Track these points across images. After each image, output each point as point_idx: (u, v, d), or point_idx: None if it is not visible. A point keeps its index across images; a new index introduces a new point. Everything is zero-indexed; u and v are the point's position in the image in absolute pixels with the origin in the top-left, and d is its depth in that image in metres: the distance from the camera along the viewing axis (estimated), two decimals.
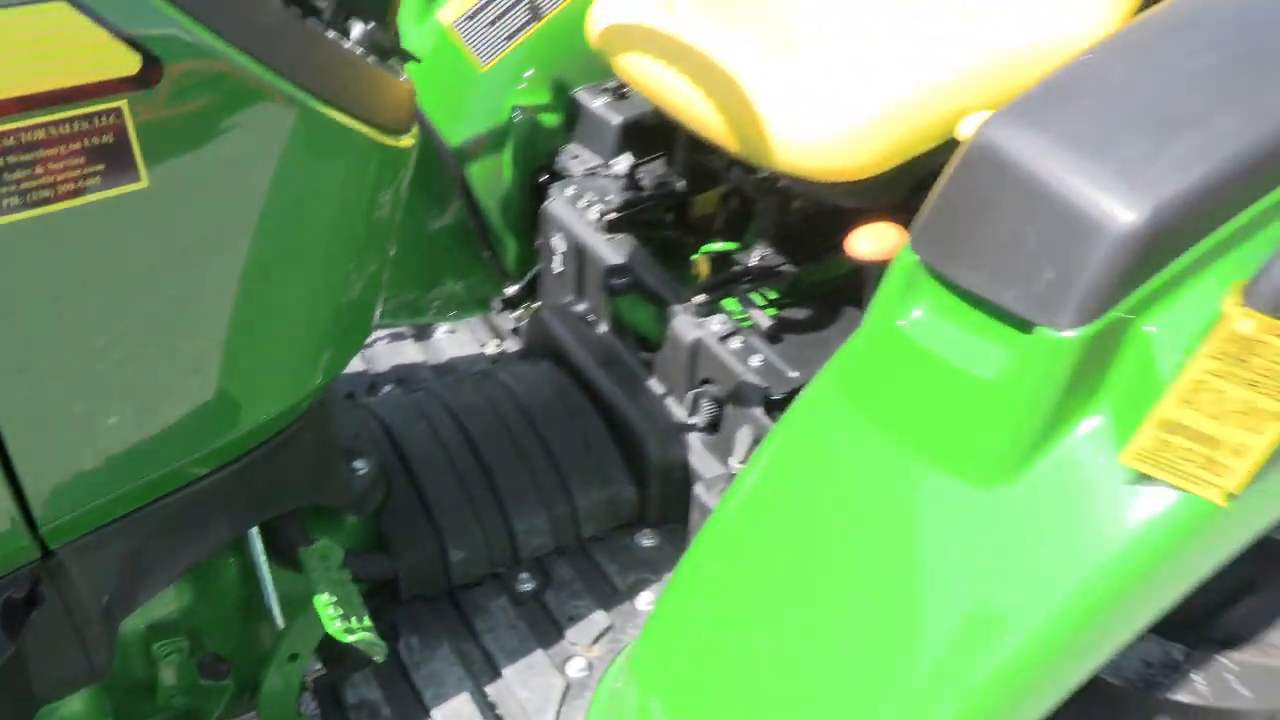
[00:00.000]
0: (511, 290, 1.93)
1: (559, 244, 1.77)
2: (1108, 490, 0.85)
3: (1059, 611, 0.88)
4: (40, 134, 0.77)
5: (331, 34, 0.97)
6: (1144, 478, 0.83)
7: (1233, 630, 1.06)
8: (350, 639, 1.12)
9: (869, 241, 1.26)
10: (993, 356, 0.89)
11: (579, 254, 1.72)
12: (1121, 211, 0.81)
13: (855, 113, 1.29)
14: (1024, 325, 0.86)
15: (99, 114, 0.79)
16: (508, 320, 1.97)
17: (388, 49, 1.03)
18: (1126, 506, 0.84)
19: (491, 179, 1.90)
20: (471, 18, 1.85)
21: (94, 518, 0.99)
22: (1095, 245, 0.82)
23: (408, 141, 1.05)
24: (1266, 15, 0.96)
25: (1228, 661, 1.04)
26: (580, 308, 1.75)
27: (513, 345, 1.92)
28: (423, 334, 1.94)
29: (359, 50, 0.99)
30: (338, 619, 1.12)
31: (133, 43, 0.78)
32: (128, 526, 1.03)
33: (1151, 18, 0.98)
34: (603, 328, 1.70)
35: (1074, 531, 0.86)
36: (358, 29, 1.00)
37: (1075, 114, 0.89)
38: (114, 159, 0.81)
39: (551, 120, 1.91)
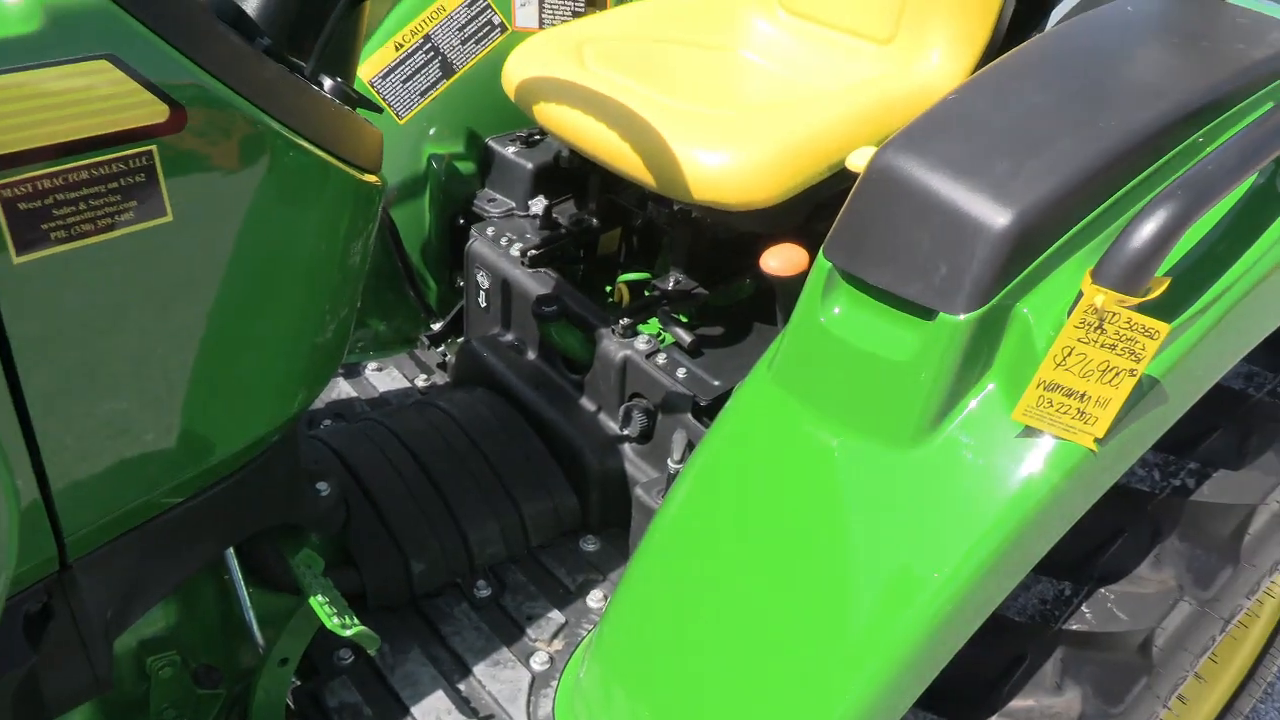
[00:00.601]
0: (437, 326, 2.04)
1: (484, 280, 1.90)
2: (1004, 444, 1.03)
3: (969, 552, 1.04)
4: (84, 174, 0.87)
5: (314, 88, 1.09)
6: (1031, 431, 1.02)
7: (1110, 568, 1.26)
8: (347, 633, 1.21)
9: (778, 259, 1.44)
10: (902, 341, 1.06)
11: (504, 288, 1.85)
12: (995, 217, 1.00)
13: (759, 149, 1.48)
14: (926, 313, 1.04)
15: (133, 156, 0.89)
16: (433, 356, 2.08)
17: (354, 100, 1.16)
18: (1020, 455, 1.02)
19: (412, 223, 2.02)
20: (386, 76, 1.97)
21: (107, 530, 1.06)
22: (977, 245, 1.01)
23: (376, 180, 1.17)
24: (1088, 60, 1.18)
25: (1108, 594, 1.24)
26: (508, 338, 1.87)
27: (440, 378, 2.03)
28: (351, 372, 2.02)
29: (333, 99, 1.11)
30: (334, 616, 1.21)
31: (162, 94, 0.89)
32: (129, 543, 1.11)
33: (999, 66, 1.20)
34: (531, 354, 1.83)
35: (981, 481, 1.04)
36: (329, 84, 1.13)
37: (951, 142, 1.08)
38: (145, 196, 0.91)
39: (467, 167, 2.05)
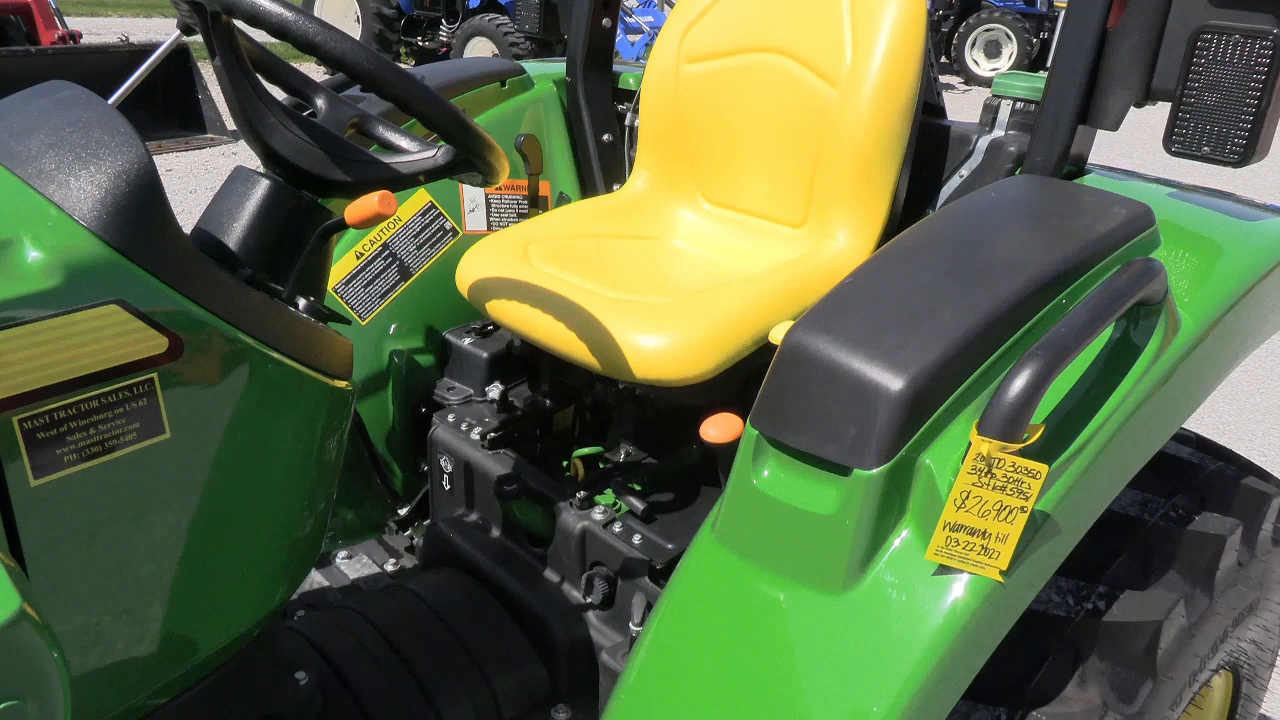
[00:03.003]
0: (404, 511, 2.14)
1: (446, 464, 2.01)
2: (923, 581, 1.15)
3: (904, 684, 1.14)
4: (95, 403, 1.00)
5: (290, 309, 1.24)
6: (944, 568, 1.15)
7: (1039, 692, 1.35)
8: None
9: (716, 428, 1.58)
10: (825, 496, 1.19)
11: (466, 471, 1.97)
12: (891, 382, 1.16)
13: (691, 330, 1.64)
14: (842, 470, 1.18)
15: (138, 384, 1.02)
16: (401, 539, 2.17)
17: (326, 315, 1.31)
18: (938, 591, 1.14)
19: (377, 415, 2.14)
20: (348, 282, 2.14)
21: None
22: (879, 407, 1.16)
23: (347, 385, 1.31)
24: (961, 241, 1.37)
25: (1039, 715, 1.33)
26: (472, 518, 1.98)
27: (409, 561, 2.11)
28: (322, 561, 2.10)
29: (307, 317, 1.26)
30: None
31: (162, 328, 1.04)
32: None
33: (887, 251, 1.38)
34: (495, 532, 1.93)
35: (906, 617, 1.15)
36: (303, 303, 1.28)
37: (850, 320, 1.25)
38: (147, 418, 1.04)
39: (426, 359, 2.20)
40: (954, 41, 14.54)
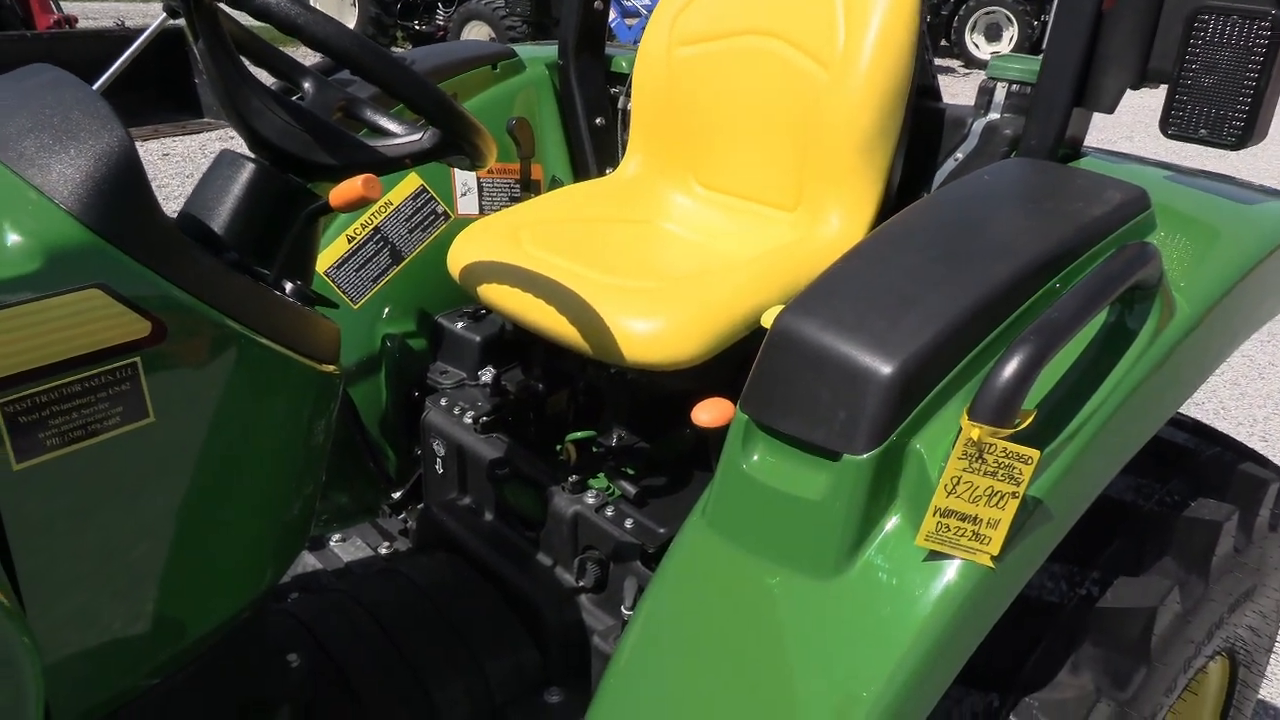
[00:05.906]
0: (397, 495, 2.14)
1: (439, 448, 2.01)
2: (914, 567, 1.14)
3: (895, 669, 1.14)
4: (77, 387, 0.99)
5: (276, 292, 1.23)
6: (935, 554, 1.14)
7: (1032, 678, 1.35)
8: None
9: (707, 412, 1.57)
10: (814, 481, 1.18)
11: (459, 454, 1.96)
12: (881, 367, 1.15)
13: (682, 314, 1.63)
14: (832, 455, 1.17)
15: (121, 368, 1.01)
16: (395, 523, 2.16)
17: (313, 299, 1.30)
18: (929, 576, 1.13)
19: (371, 399, 2.14)
20: (340, 266, 2.13)
21: (92, 714, 1.12)
22: (868, 392, 1.15)
23: (335, 370, 1.30)
24: (952, 225, 1.36)
25: (1032, 701, 1.33)
26: (465, 501, 1.97)
27: (403, 544, 2.11)
28: (316, 544, 2.09)
29: (294, 301, 1.25)
30: None
31: (144, 312, 1.02)
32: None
33: (878, 235, 1.37)
34: (488, 515, 1.93)
35: (897, 602, 1.14)
36: (289, 286, 1.27)
37: (839, 305, 1.23)
38: (130, 402, 1.03)
39: (419, 344, 2.19)
40: (954, 24, 14.45)
